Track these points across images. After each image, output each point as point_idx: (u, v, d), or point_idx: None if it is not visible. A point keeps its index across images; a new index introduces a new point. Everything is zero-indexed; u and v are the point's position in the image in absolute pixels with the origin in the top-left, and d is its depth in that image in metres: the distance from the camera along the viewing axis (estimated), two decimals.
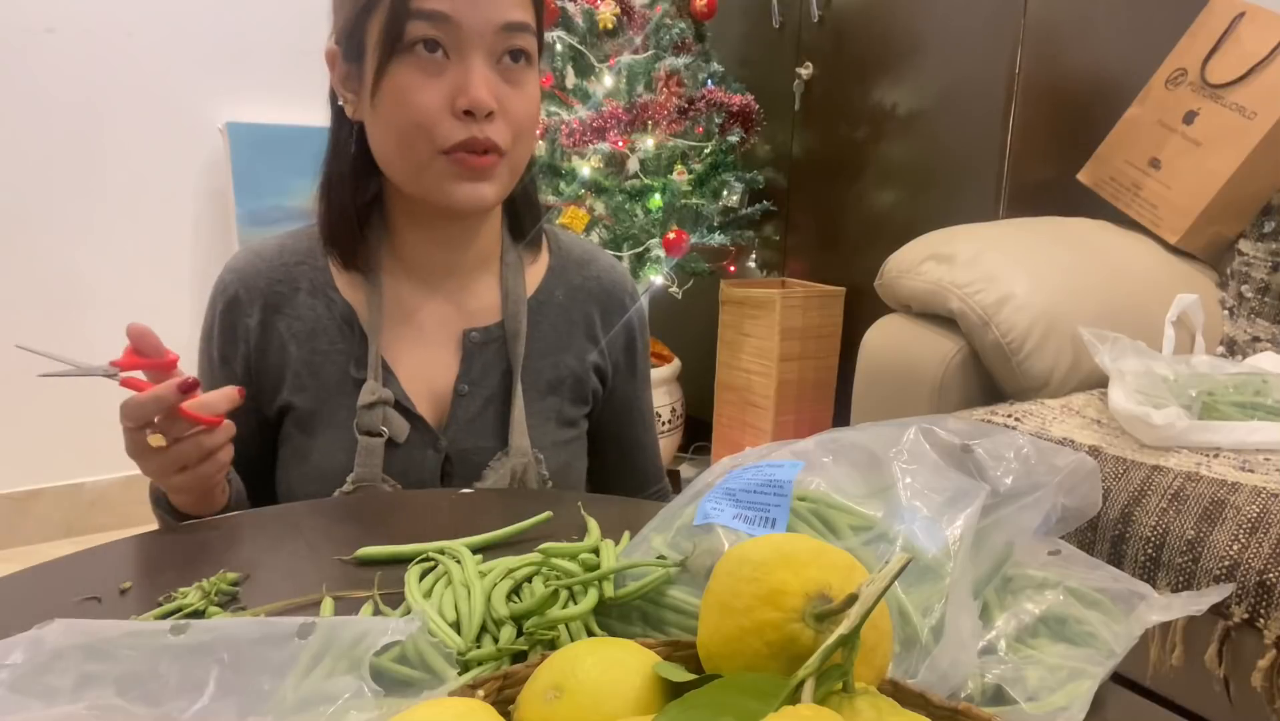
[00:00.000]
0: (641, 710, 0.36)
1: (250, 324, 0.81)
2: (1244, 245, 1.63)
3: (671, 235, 2.06)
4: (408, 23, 0.70)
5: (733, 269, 2.32)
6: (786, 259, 2.31)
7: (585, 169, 2.03)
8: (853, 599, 0.34)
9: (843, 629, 0.33)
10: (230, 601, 0.58)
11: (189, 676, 0.43)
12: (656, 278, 2.11)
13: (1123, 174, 1.75)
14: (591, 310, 0.90)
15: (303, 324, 0.81)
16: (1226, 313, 1.62)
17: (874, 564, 0.48)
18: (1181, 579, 0.99)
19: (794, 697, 0.33)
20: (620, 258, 2.07)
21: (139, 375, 0.68)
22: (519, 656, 0.49)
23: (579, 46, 2.04)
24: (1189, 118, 1.66)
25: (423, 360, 0.82)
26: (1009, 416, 1.24)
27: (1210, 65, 1.65)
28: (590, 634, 0.52)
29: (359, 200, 0.81)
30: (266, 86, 2.26)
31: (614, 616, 0.54)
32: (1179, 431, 1.11)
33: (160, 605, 0.57)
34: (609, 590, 0.53)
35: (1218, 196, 1.60)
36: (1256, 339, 1.56)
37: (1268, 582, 0.91)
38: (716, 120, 2.14)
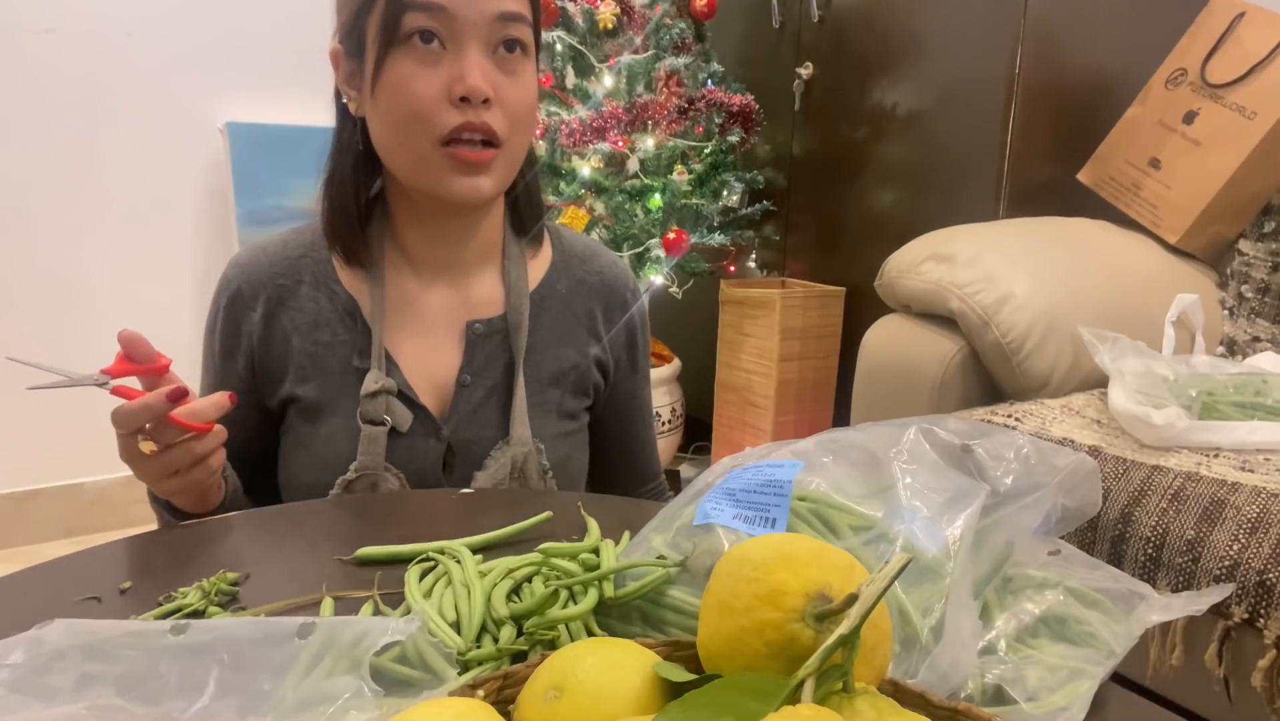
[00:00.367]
0: (641, 710, 0.36)
1: (254, 318, 0.81)
2: (1244, 245, 1.63)
3: (671, 235, 2.06)
4: (404, 15, 0.71)
5: (733, 269, 2.32)
6: (786, 259, 2.31)
7: (585, 169, 2.03)
8: (853, 599, 0.34)
9: (843, 629, 0.33)
10: (230, 601, 0.58)
11: (189, 676, 0.43)
12: (656, 278, 2.11)
13: (1123, 174, 1.75)
14: (594, 305, 0.90)
15: (305, 316, 0.81)
16: (1226, 313, 1.62)
17: (874, 564, 0.48)
18: (1181, 579, 0.99)
19: (794, 697, 0.33)
20: (620, 258, 2.07)
21: (131, 382, 0.68)
22: (519, 656, 0.49)
23: (579, 46, 2.04)
24: (1189, 118, 1.66)
25: (425, 351, 0.83)
26: (1009, 416, 1.24)
27: (1210, 65, 1.65)
28: (590, 634, 0.52)
29: (361, 196, 0.82)
30: (266, 86, 2.26)
31: (614, 616, 0.54)
32: (1179, 431, 1.11)
33: (160, 605, 0.57)
34: (609, 590, 0.53)
35: (1218, 196, 1.60)
36: (1256, 339, 1.56)
37: (1268, 582, 0.91)
38: (716, 120, 2.14)
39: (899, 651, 0.45)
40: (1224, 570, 0.95)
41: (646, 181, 2.07)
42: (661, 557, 0.53)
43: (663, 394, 2.21)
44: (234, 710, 0.42)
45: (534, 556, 0.58)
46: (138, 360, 0.68)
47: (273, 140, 2.21)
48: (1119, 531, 1.05)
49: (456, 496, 0.79)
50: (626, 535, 0.63)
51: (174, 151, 2.18)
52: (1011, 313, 1.35)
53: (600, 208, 2.07)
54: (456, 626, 0.52)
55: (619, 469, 0.98)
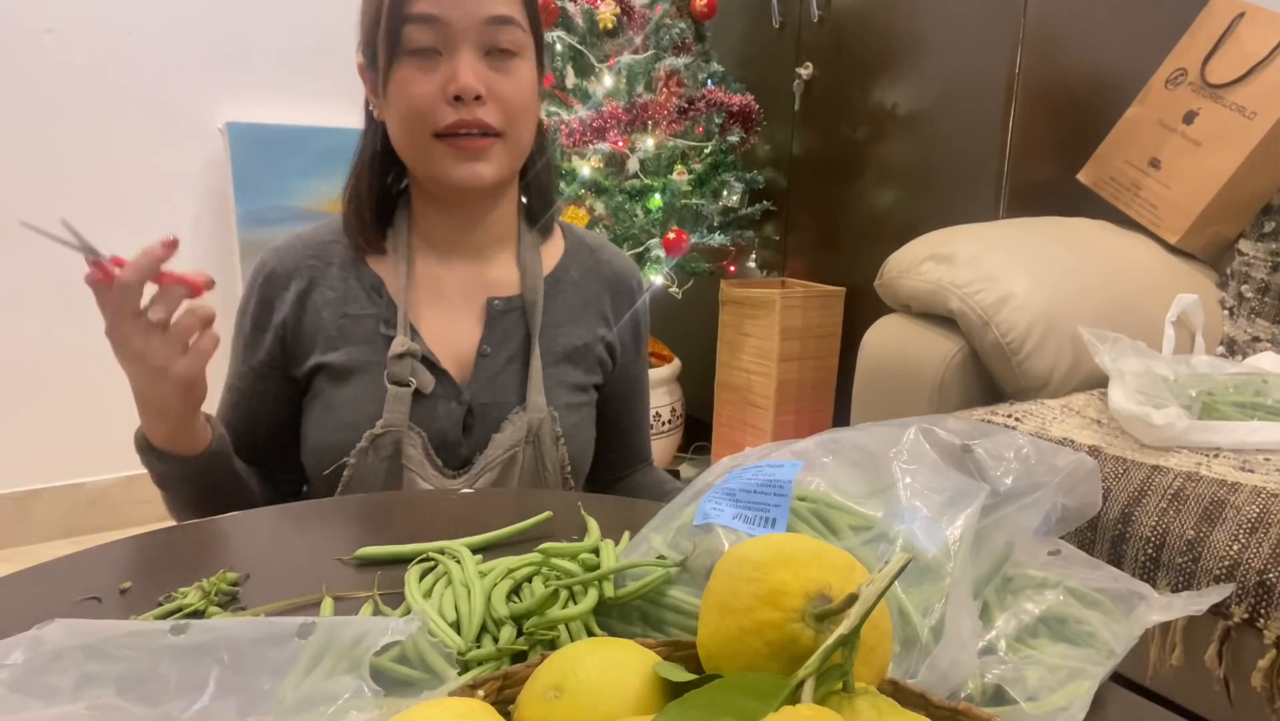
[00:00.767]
0: (641, 710, 0.36)
1: (287, 296, 0.88)
2: (1244, 245, 1.63)
3: (671, 235, 2.06)
4: (404, 27, 0.80)
5: (733, 269, 2.32)
6: (786, 259, 2.31)
7: (585, 169, 2.03)
8: (853, 599, 0.34)
9: (843, 629, 0.33)
10: (230, 601, 0.58)
11: (189, 676, 0.43)
12: (656, 277, 2.11)
13: (1123, 174, 1.75)
14: (602, 292, 0.98)
15: (335, 293, 0.88)
16: (1226, 313, 1.62)
17: (874, 564, 0.48)
18: (1181, 579, 0.99)
19: (794, 697, 0.33)
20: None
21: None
22: (519, 656, 0.49)
23: (579, 46, 2.04)
24: (1189, 118, 1.66)
25: (448, 324, 0.90)
26: (1009, 416, 1.24)
27: (1210, 65, 1.65)
28: (590, 634, 0.52)
29: (381, 190, 0.90)
30: (266, 86, 2.26)
31: (614, 616, 0.54)
32: (1179, 431, 1.11)
33: (160, 605, 0.57)
34: (609, 590, 0.53)
35: (1218, 196, 1.60)
36: (1256, 339, 1.56)
37: (1268, 582, 0.91)
38: (716, 120, 2.14)
39: (899, 651, 0.45)
40: (1224, 570, 0.95)
41: (646, 181, 2.07)
42: (661, 557, 0.53)
43: (663, 394, 2.21)
44: (234, 710, 0.42)
45: (534, 556, 0.58)
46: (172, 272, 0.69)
47: (273, 140, 2.21)
48: (1119, 531, 1.05)
49: (456, 496, 0.79)
50: (626, 535, 0.63)
51: (174, 151, 2.18)
52: (1011, 313, 1.35)
53: (600, 208, 2.07)
54: (456, 626, 0.52)
55: (616, 448, 1.03)
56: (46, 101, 2.02)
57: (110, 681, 0.42)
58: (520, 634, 0.52)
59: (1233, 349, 1.57)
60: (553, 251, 0.96)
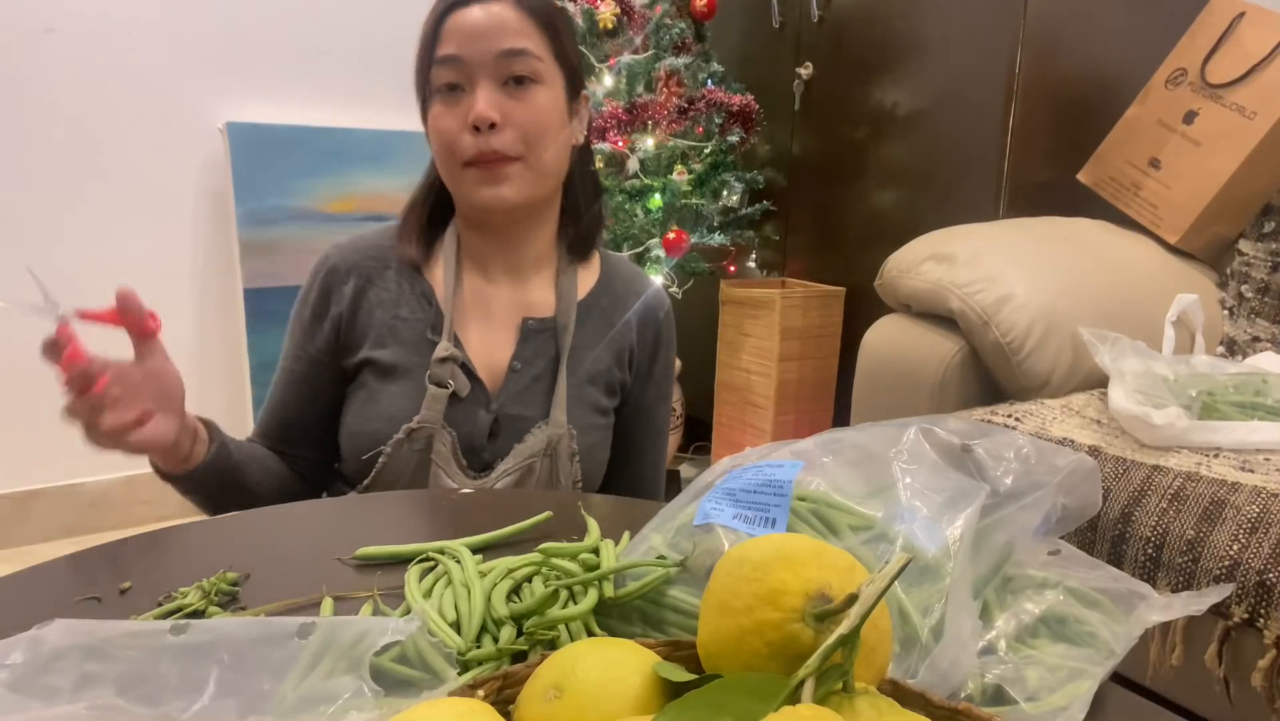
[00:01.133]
0: (641, 710, 0.36)
1: (346, 290, 0.94)
2: (1244, 245, 1.63)
3: (671, 235, 2.06)
4: (432, 70, 0.89)
5: (733, 269, 2.32)
6: (786, 259, 2.31)
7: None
8: (853, 599, 0.34)
9: (843, 629, 0.33)
10: (230, 601, 0.58)
11: (189, 676, 0.43)
12: (657, 277, 2.11)
13: (1123, 174, 1.75)
14: (631, 319, 1.03)
15: (389, 295, 0.95)
16: (1226, 313, 1.62)
17: (874, 564, 0.48)
18: (1181, 579, 0.99)
19: (794, 697, 0.33)
20: (622, 257, 2.07)
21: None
22: (519, 656, 0.49)
23: (579, 46, 2.04)
24: (1189, 118, 1.66)
25: (486, 337, 0.96)
26: (1009, 416, 1.24)
27: (1210, 65, 1.65)
28: (590, 634, 0.52)
29: (427, 212, 0.98)
30: (266, 86, 2.26)
31: (614, 616, 0.54)
32: (1179, 431, 1.11)
33: (160, 605, 0.57)
34: (609, 590, 0.53)
35: (1218, 196, 1.60)
36: (1256, 339, 1.56)
37: (1268, 582, 0.91)
38: (716, 120, 2.14)
39: (899, 651, 0.45)
40: (1224, 570, 0.95)
41: (646, 181, 2.07)
42: (661, 557, 0.53)
43: None
44: (234, 710, 0.42)
45: (534, 556, 0.58)
46: (129, 315, 0.73)
47: (273, 140, 2.21)
48: (1119, 531, 1.05)
49: (457, 496, 0.79)
50: (626, 535, 0.63)
51: (174, 151, 2.18)
52: (1011, 312, 1.35)
53: None
54: (456, 626, 0.52)
55: (626, 481, 1.05)
56: (46, 101, 2.02)
57: (110, 681, 0.42)
58: (520, 634, 0.52)
59: (1233, 349, 1.57)
60: (588, 277, 1.02)
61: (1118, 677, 0.51)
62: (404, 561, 0.62)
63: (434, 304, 0.95)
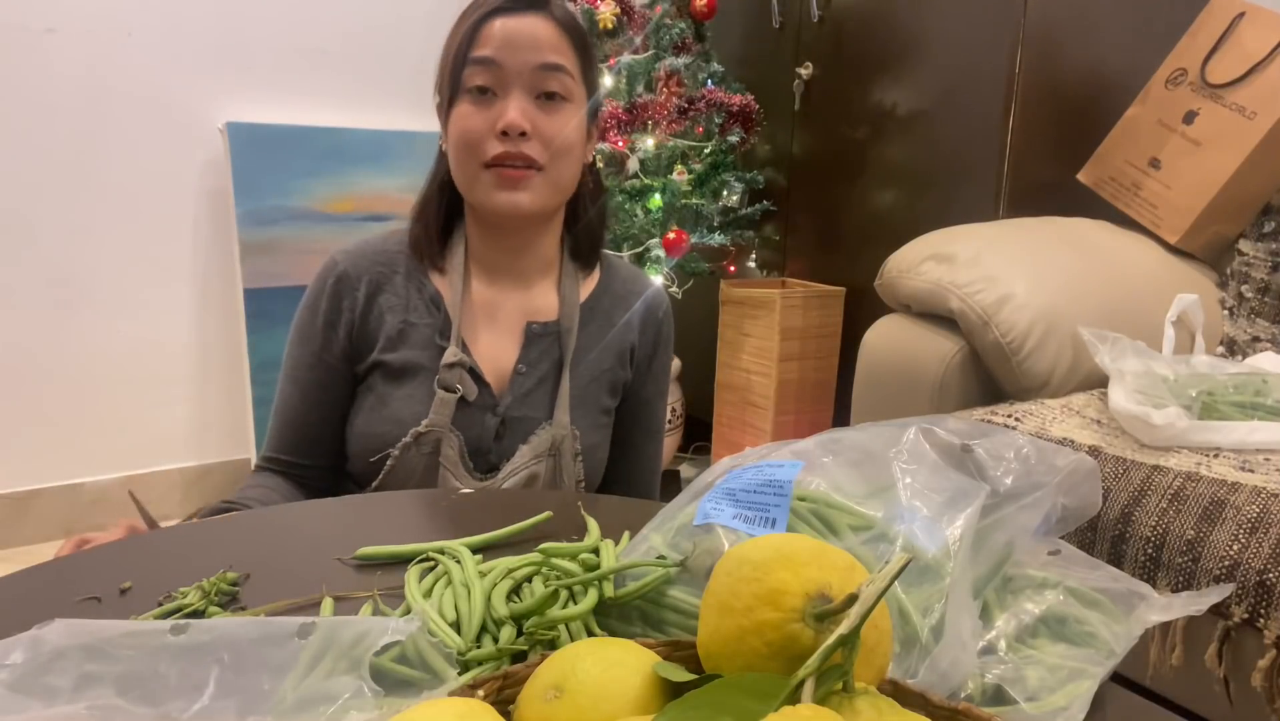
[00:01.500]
0: (641, 710, 0.36)
1: (358, 296, 0.95)
2: (1244, 245, 1.63)
3: (671, 235, 2.06)
4: (465, 69, 0.89)
5: (733, 269, 2.32)
6: (786, 259, 2.31)
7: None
8: (853, 599, 0.34)
9: (843, 629, 0.33)
10: (230, 601, 0.58)
11: (189, 676, 0.43)
12: (656, 277, 2.11)
13: (1123, 174, 1.75)
14: (632, 318, 1.04)
15: (399, 300, 0.96)
16: (1226, 313, 1.62)
17: (874, 564, 0.48)
18: (1181, 579, 0.99)
19: (794, 697, 0.33)
20: (620, 258, 2.07)
21: None
22: (519, 656, 0.49)
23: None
24: (1189, 118, 1.66)
25: (491, 341, 0.97)
26: (1009, 416, 1.24)
27: (1210, 65, 1.65)
28: (590, 634, 0.52)
29: (441, 214, 0.98)
30: (266, 86, 2.26)
31: (614, 616, 0.54)
32: (1179, 431, 1.11)
33: (160, 605, 0.57)
34: (609, 590, 0.53)
35: (1218, 196, 1.60)
36: (1256, 339, 1.56)
37: (1268, 582, 0.91)
38: (716, 120, 2.14)
39: (899, 651, 0.45)
40: (1224, 570, 0.95)
41: (646, 181, 2.07)
42: (661, 557, 0.53)
43: None
44: (234, 710, 0.42)
45: (534, 556, 0.58)
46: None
47: (273, 140, 2.21)
48: (1119, 531, 1.05)
49: (457, 496, 0.79)
50: (626, 535, 0.63)
51: (174, 151, 2.18)
52: (1011, 312, 1.35)
53: None
54: (456, 626, 0.52)
55: (620, 479, 1.05)
56: (46, 101, 2.02)
57: (110, 681, 0.42)
58: (520, 634, 0.52)
59: (1233, 349, 1.57)
60: (589, 280, 1.04)
61: (1118, 677, 0.51)
62: (404, 561, 0.62)
63: (442, 308, 0.96)
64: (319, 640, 0.44)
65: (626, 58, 2.02)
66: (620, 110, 1.98)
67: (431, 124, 0.98)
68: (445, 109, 0.93)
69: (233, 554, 0.65)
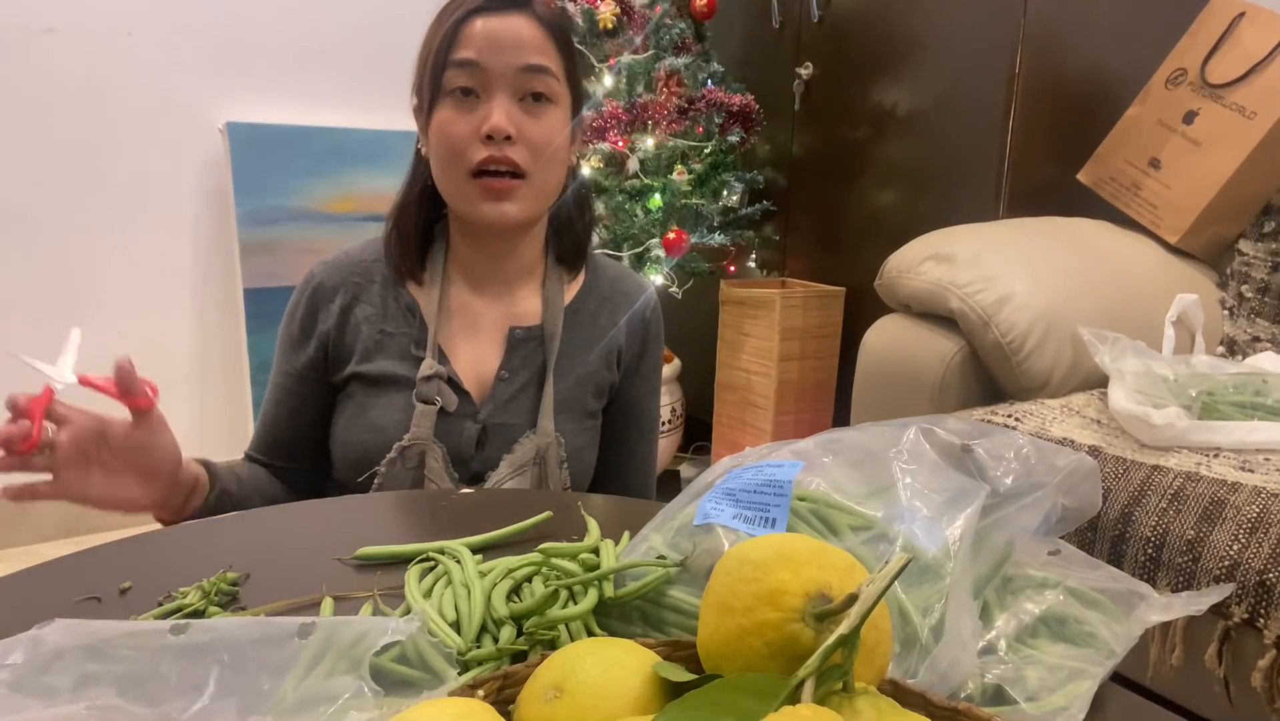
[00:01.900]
0: (641, 710, 0.36)
1: (333, 308, 0.94)
2: (1244, 245, 1.63)
3: (671, 235, 2.06)
4: (445, 72, 0.87)
5: (733, 269, 2.32)
6: (786, 259, 2.31)
7: (585, 169, 2.03)
8: (853, 599, 0.34)
9: (843, 629, 0.33)
10: (230, 601, 0.58)
11: (189, 676, 0.43)
12: (656, 277, 2.11)
13: (1123, 174, 1.75)
14: (618, 317, 1.02)
15: (375, 310, 0.95)
16: (1226, 313, 1.62)
17: (874, 564, 0.48)
18: (1181, 579, 0.99)
19: (794, 697, 0.33)
20: (620, 258, 2.07)
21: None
22: (519, 656, 0.49)
23: (579, 46, 2.04)
24: (1189, 118, 1.66)
25: (472, 349, 0.96)
26: (1009, 416, 1.24)
27: (1210, 65, 1.65)
28: (590, 634, 0.52)
29: (421, 222, 0.96)
30: (266, 86, 2.26)
31: (614, 616, 0.54)
32: (1179, 431, 1.11)
33: (160, 605, 0.57)
34: (609, 590, 0.53)
35: (1218, 196, 1.60)
36: (1256, 339, 1.56)
37: (1268, 582, 0.91)
38: (716, 120, 2.14)
39: (899, 651, 0.45)
40: (1224, 570, 0.95)
41: (646, 181, 2.07)
42: (661, 557, 0.53)
43: (663, 394, 2.21)
44: (234, 710, 0.42)
45: (534, 556, 0.58)
46: (125, 387, 0.73)
47: (273, 140, 2.21)
48: (1119, 531, 1.05)
49: (456, 496, 0.79)
50: (626, 535, 0.63)
51: (174, 151, 2.18)
52: (1011, 312, 1.35)
53: (600, 208, 2.07)
54: (456, 626, 0.52)
55: (614, 479, 1.04)
56: (46, 101, 2.02)
57: (110, 681, 0.42)
58: (520, 634, 0.52)
59: (1233, 349, 1.57)
60: (575, 282, 1.02)
61: (1118, 677, 0.51)
62: (404, 561, 0.62)
63: (419, 317, 0.94)
64: (319, 640, 0.44)
65: (626, 58, 2.02)
66: (620, 110, 1.98)
67: None
68: (425, 112, 0.90)
69: (233, 554, 0.65)
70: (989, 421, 1.23)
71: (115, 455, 0.76)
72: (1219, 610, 0.95)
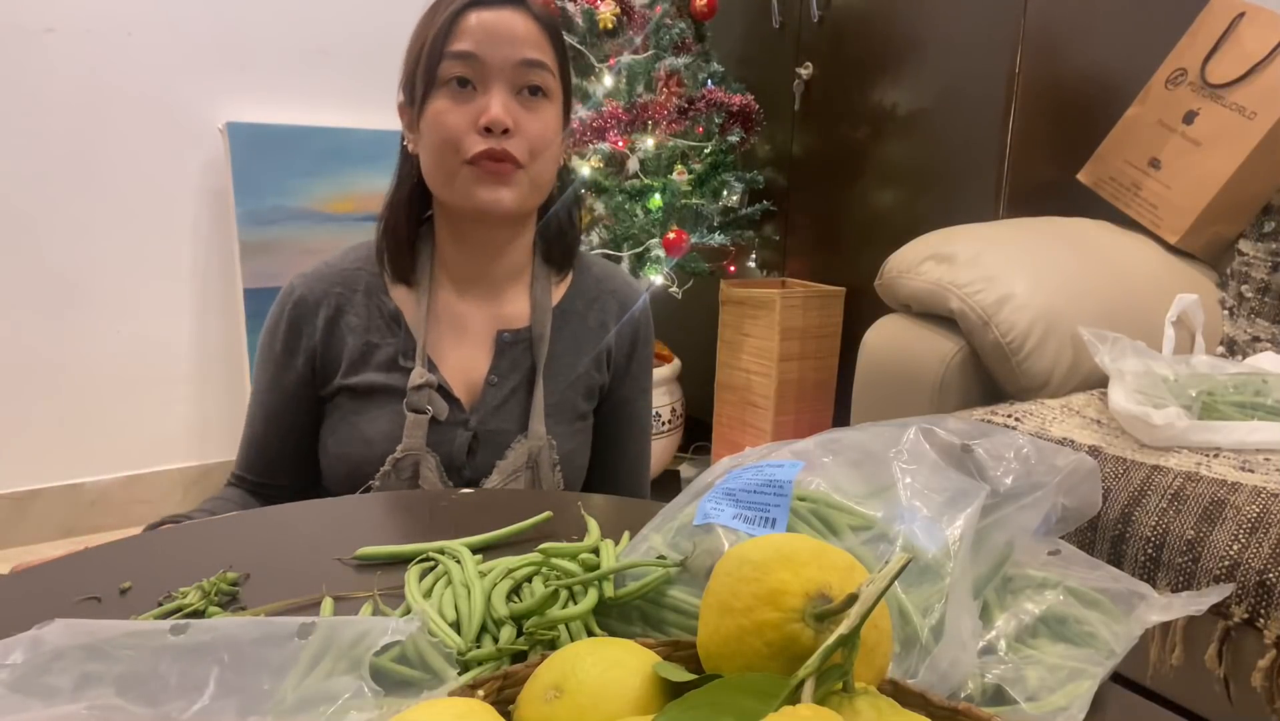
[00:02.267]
0: (641, 710, 0.36)
1: (317, 322, 0.93)
2: (1244, 245, 1.63)
3: (671, 235, 2.06)
4: (441, 62, 0.86)
5: (733, 269, 2.32)
6: (786, 259, 2.31)
7: (585, 169, 2.03)
8: (853, 599, 0.34)
9: (843, 629, 0.33)
10: (230, 601, 0.58)
11: (189, 676, 0.43)
12: (656, 277, 2.11)
13: (1123, 174, 1.75)
14: (606, 317, 1.01)
15: (359, 320, 0.93)
16: (1226, 313, 1.62)
17: (874, 564, 0.48)
18: (1181, 579, 0.99)
19: (794, 697, 0.33)
20: (620, 258, 2.07)
21: None
22: (519, 656, 0.49)
23: (579, 46, 2.04)
24: (1189, 118, 1.66)
25: (460, 354, 0.95)
26: (1009, 416, 1.24)
27: (1210, 65, 1.65)
28: (590, 634, 0.52)
29: (412, 221, 0.95)
30: (266, 86, 2.26)
31: (614, 616, 0.54)
32: (1179, 431, 1.11)
33: (160, 605, 0.57)
34: (609, 590, 0.53)
35: (1218, 196, 1.60)
36: (1256, 339, 1.56)
37: (1268, 582, 0.91)
38: (716, 120, 2.14)
39: (899, 651, 0.45)
40: (1224, 570, 0.95)
41: (646, 181, 2.07)
42: (661, 557, 0.53)
43: (663, 394, 2.21)
44: (234, 710, 0.42)
45: (534, 556, 0.58)
46: None
47: (273, 140, 2.21)
48: (1119, 531, 1.05)
49: (456, 496, 0.79)
50: (626, 535, 0.63)
51: (174, 151, 2.18)
52: (1011, 312, 1.35)
53: (600, 208, 2.07)
54: (456, 626, 0.52)
55: (602, 480, 1.03)
56: (46, 101, 2.02)
57: (110, 681, 0.42)
58: (520, 634, 0.52)
59: (1233, 349, 1.57)
60: (563, 283, 1.01)
61: (1118, 677, 0.51)
62: (404, 561, 0.62)
63: (403, 326, 0.93)
64: (319, 640, 0.44)
65: (626, 58, 2.02)
66: (620, 110, 1.98)
67: None
68: (418, 105, 0.89)
69: (233, 554, 0.65)
70: (989, 421, 1.23)
71: None
72: (1219, 610, 0.95)
